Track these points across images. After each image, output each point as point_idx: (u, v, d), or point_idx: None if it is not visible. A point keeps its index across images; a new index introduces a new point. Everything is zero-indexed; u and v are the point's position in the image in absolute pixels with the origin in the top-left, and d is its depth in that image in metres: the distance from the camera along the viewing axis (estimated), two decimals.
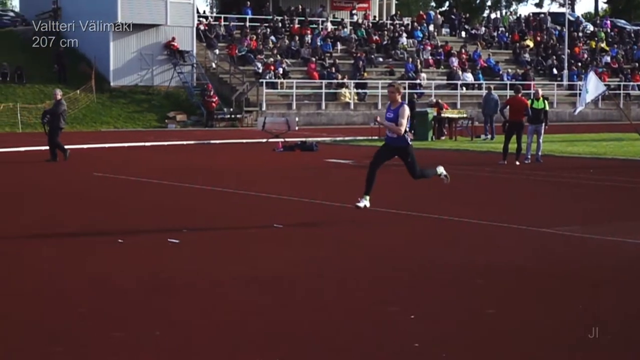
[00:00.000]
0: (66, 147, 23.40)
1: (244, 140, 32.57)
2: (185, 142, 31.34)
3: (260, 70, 44.76)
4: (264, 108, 42.40)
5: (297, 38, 49.90)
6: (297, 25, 50.94)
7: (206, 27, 47.45)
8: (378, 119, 14.23)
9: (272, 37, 49.04)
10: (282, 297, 8.71)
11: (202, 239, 12.00)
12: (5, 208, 15.04)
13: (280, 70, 45.22)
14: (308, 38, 50.06)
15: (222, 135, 35.04)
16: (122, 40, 43.04)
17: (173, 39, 43.88)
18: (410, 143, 13.20)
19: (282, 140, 29.53)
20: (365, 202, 12.99)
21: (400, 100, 13.21)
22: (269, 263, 10.32)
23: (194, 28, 45.28)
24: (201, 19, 48.24)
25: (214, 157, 25.91)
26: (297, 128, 32.35)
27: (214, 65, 45.68)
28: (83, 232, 12.52)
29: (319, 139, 31.59)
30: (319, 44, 49.39)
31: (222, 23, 49.37)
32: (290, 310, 8.18)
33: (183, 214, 14.29)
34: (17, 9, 60.28)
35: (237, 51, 45.59)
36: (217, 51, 46.12)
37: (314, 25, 51.90)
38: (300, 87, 44.86)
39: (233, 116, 42.15)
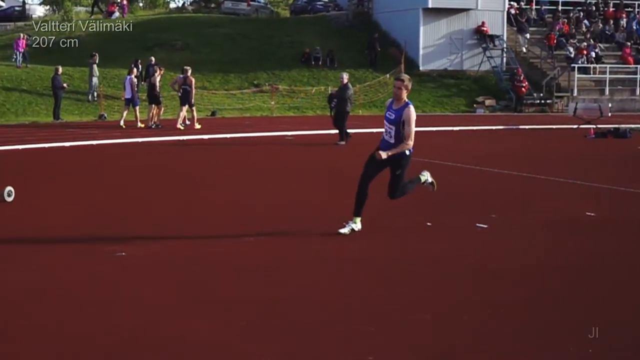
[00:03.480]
0: (374, 130, 23.64)
1: (554, 126, 31.65)
2: (492, 127, 30.93)
3: (572, 55, 43.38)
4: (575, 93, 41.11)
5: (611, 22, 47.91)
6: (611, 9, 48.89)
7: (517, 12, 46.61)
8: (383, 156, 10.42)
9: (585, 21, 47.38)
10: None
11: (510, 226, 11.67)
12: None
13: (593, 55, 43.59)
14: (623, 22, 47.89)
15: (531, 120, 34.30)
16: (432, 24, 43.25)
17: (483, 23, 43.49)
18: (408, 154, 10.61)
19: (594, 126, 28.39)
20: (353, 226, 10.73)
21: (406, 99, 10.55)
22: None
23: (505, 12, 44.61)
24: (512, 2, 47.40)
25: (523, 143, 25.28)
26: (609, 114, 30.99)
27: (524, 50, 44.81)
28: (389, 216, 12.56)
29: (632, 125, 29.99)
30: (634, 27, 47.06)
31: (534, 7, 48.30)
32: None
33: (491, 199, 14.00)
34: None
35: (554, 41, 44.45)
36: (527, 35, 45.19)
37: (630, 9, 49.51)
38: (613, 72, 43.02)
39: (543, 101, 41.12)
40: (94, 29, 46.63)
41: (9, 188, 13.43)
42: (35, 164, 18.95)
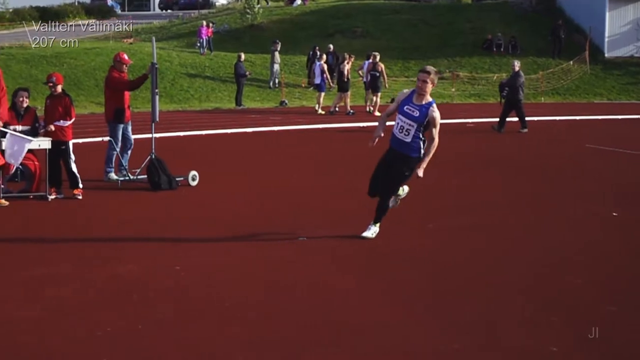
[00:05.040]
0: (557, 118, 23.00)
1: None
2: None
3: None
4: None
5: None
6: None
7: None
8: (421, 174, 9.53)
9: None
10: None
11: None
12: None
13: None
14: None
15: None
16: (618, 10, 41.61)
17: None
18: (417, 157, 9.61)
19: None
20: (374, 230, 9.93)
21: (429, 96, 9.49)
22: None
23: None
24: None
25: None
26: None
27: None
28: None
29: None
30: None
31: None
32: None
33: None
34: None
35: None
36: None
37: None
38: None
39: None
40: (276, 16, 47.46)
41: (193, 172, 13.78)
42: (217, 149, 19.40)
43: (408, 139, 9.45)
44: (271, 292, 7.76)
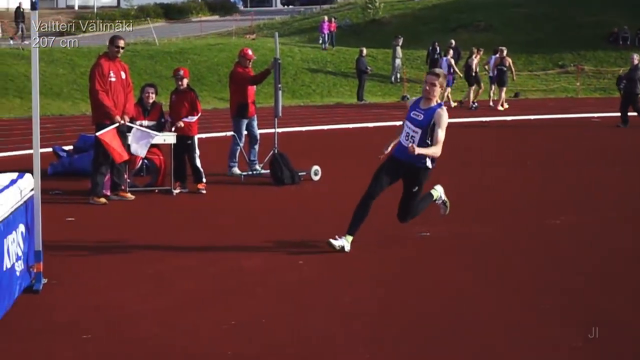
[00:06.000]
0: None
1: None
2: None
3: None
4: None
5: None
6: None
7: None
8: (417, 151, 8.51)
9: None
10: None
11: None
12: None
13: None
14: None
15: None
16: None
17: None
18: (430, 167, 8.93)
19: None
20: (342, 243, 8.89)
21: (437, 99, 8.83)
22: None
23: None
24: None
25: None
26: None
27: None
28: None
29: None
30: None
31: None
32: None
33: None
34: None
35: None
36: None
37: None
38: None
39: None
40: (398, 10, 47.28)
41: (316, 167, 13.81)
42: (339, 144, 19.41)
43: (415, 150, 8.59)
44: (391, 288, 7.70)
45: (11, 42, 38.90)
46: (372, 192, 8.91)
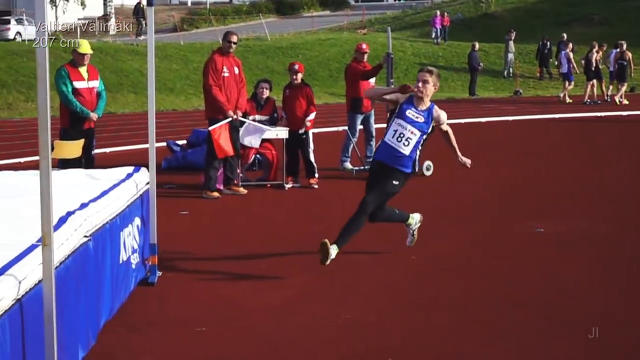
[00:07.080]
0: None
1: None
2: None
3: None
4: None
5: None
6: None
7: None
8: (464, 161, 8.51)
9: None
10: None
11: None
12: None
13: None
14: None
15: None
16: None
17: None
18: (411, 173, 8.18)
19: None
20: (332, 252, 7.77)
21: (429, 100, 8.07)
22: None
23: None
24: None
25: None
26: None
27: None
28: None
29: None
30: None
31: None
32: None
33: None
34: None
35: None
36: None
37: None
38: None
39: None
40: (511, 4, 46.57)
41: (428, 162, 13.65)
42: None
43: (406, 150, 7.99)
44: (500, 282, 7.57)
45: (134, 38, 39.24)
46: (369, 203, 8.08)
